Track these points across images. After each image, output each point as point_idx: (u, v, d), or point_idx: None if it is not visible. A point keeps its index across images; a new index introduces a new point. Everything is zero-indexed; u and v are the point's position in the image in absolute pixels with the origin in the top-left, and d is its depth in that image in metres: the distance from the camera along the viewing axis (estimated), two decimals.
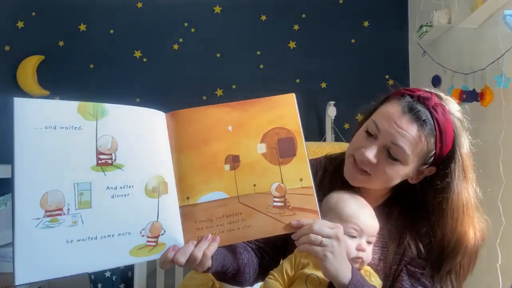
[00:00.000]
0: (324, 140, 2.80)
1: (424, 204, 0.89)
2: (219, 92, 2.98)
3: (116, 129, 0.72)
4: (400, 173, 0.85)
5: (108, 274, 2.32)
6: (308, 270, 0.83)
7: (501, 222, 1.74)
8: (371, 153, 0.84)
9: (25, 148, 0.66)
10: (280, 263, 0.90)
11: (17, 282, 0.62)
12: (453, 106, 0.87)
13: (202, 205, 0.75)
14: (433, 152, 0.84)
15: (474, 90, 1.95)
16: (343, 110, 2.71)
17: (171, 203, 0.74)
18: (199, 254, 0.72)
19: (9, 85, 2.85)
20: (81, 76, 2.93)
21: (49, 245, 0.65)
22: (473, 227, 0.86)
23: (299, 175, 0.78)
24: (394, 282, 0.88)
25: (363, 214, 0.86)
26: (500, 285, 1.73)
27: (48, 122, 0.68)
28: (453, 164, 0.84)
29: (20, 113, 0.66)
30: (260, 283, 0.92)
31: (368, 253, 0.85)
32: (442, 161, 0.85)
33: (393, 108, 0.84)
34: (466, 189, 0.86)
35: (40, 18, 2.98)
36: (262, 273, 0.93)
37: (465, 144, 0.86)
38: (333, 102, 2.73)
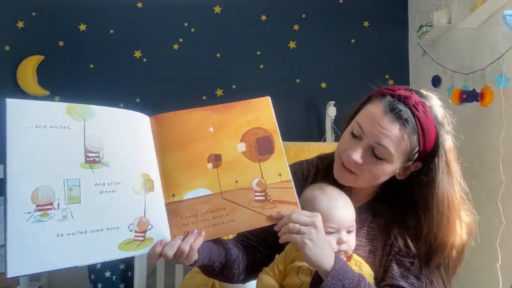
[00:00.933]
0: (324, 140, 2.80)
1: (411, 199, 0.91)
2: (219, 92, 2.98)
3: (103, 130, 0.76)
4: (386, 171, 0.88)
5: (108, 274, 2.32)
6: (299, 262, 0.87)
7: (501, 222, 1.74)
8: (357, 155, 0.87)
9: (16, 146, 0.69)
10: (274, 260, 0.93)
11: (9, 275, 0.64)
12: (434, 102, 0.89)
13: (187, 201, 0.79)
14: (417, 148, 0.86)
15: (474, 90, 1.95)
16: (343, 110, 2.71)
17: (157, 200, 0.77)
18: (186, 248, 0.74)
19: (9, 85, 2.86)
20: (81, 76, 2.93)
21: (40, 238, 0.67)
22: (459, 220, 0.89)
23: (277, 170, 0.84)
24: (385, 273, 0.90)
25: (335, 209, 0.87)
26: (500, 285, 1.73)
27: (38, 122, 0.71)
28: (436, 159, 0.87)
29: (12, 113, 0.70)
30: (255, 281, 0.94)
31: (350, 242, 0.88)
32: (426, 156, 0.87)
33: (375, 109, 0.87)
34: (451, 184, 0.88)
35: (40, 18, 2.98)
36: (255, 271, 0.95)
37: (447, 139, 0.88)
38: (333, 102, 2.73)
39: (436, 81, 2.27)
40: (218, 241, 0.87)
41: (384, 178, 0.90)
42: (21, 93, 2.82)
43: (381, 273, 0.91)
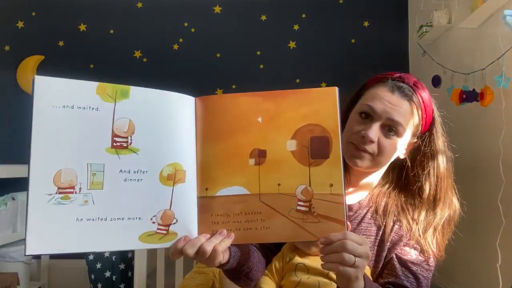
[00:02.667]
0: None
1: (408, 176, 0.96)
2: (219, 92, 2.98)
3: (135, 112, 0.72)
4: (398, 147, 0.92)
5: (108, 274, 2.32)
6: (296, 261, 0.87)
7: (501, 222, 1.74)
8: (372, 132, 0.88)
9: (42, 125, 0.67)
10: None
11: (27, 252, 0.65)
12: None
13: (220, 198, 0.72)
14: (421, 123, 0.94)
15: (474, 90, 1.95)
16: (343, 110, 2.71)
17: (188, 192, 0.73)
18: (208, 248, 0.69)
19: (9, 85, 2.85)
20: (81, 76, 2.91)
21: (60, 221, 0.66)
22: (451, 185, 0.96)
23: (329, 179, 0.72)
24: (384, 269, 0.92)
25: None
26: (500, 285, 1.73)
27: (66, 101, 0.69)
28: (434, 130, 0.95)
29: (39, 91, 0.67)
30: None
31: None
32: (426, 131, 0.95)
33: (381, 91, 0.92)
34: (444, 152, 0.96)
35: (40, 18, 2.98)
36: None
37: (437, 113, 0.97)
38: None
39: (436, 81, 2.27)
40: (245, 244, 0.84)
41: (394, 156, 0.94)
42: (21, 93, 2.82)
43: (379, 268, 0.92)
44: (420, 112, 0.92)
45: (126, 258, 2.38)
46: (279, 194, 0.72)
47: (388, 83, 0.93)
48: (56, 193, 0.67)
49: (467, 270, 1.97)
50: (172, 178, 0.72)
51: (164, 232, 0.71)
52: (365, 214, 0.96)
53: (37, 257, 2.73)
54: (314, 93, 0.74)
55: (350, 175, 0.97)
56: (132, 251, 2.34)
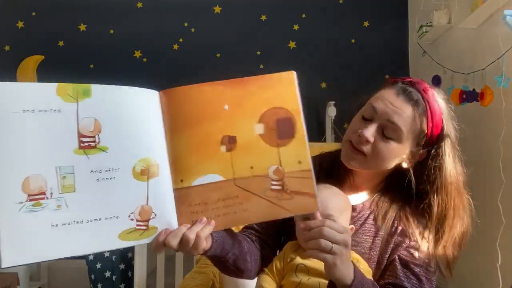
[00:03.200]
0: (324, 141, 2.81)
1: (417, 188, 0.93)
2: None
3: (100, 111, 0.70)
4: (395, 152, 0.89)
5: (108, 274, 2.32)
6: (297, 261, 0.87)
7: (501, 222, 1.74)
8: (368, 132, 0.87)
9: (3, 133, 0.64)
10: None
11: (3, 265, 0.62)
12: (439, 93, 0.93)
13: (196, 187, 0.73)
14: (425, 132, 0.89)
15: (474, 90, 1.95)
16: (343, 110, 2.71)
17: (163, 185, 0.72)
18: (192, 236, 0.70)
19: None
20: (81, 76, 2.93)
21: (34, 228, 0.64)
22: (464, 203, 0.92)
23: (297, 157, 0.75)
24: (386, 271, 0.91)
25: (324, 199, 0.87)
26: (500, 285, 1.73)
27: (26, 106, 0.66)
28: (443, 144, 0.89)
29: None
30: (254, 281, 0.94)
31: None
32: (433, 142, 0.90)
33: (387, 93, 0.90)
34: (456, 168, 0.91)
35: (40, 18, 2.98)
36: (265, 265, 0.94)
37: (451, 127, 0.92)
38: (333, 102, 2.73)
39: (436, 81, 2.27)
40: (231, 232, 0.85)
41: (392, 162, 0.91)
42: None
43: (381, 270, 0.91)
44: (425, 120, 0.87)
45: (126, 258, 2.38)
46: (253, 176, 0.74)
47: (396, 86, 0.91)
48: (26, 200, 0.64)
49: (467, 270, 1.97)
50: (146, 173, 0.71)
51: (144, 227, 0.70)
52: (368, 215, 0.96)
53: None
54: (275, 78, 0.77)
55: (354, 176, 0.97)
56: (132, 251, 2.34)
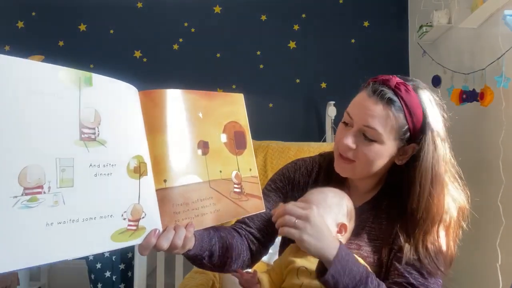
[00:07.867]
0: (324, 140, 2.80)
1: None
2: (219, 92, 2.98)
3: (99, 102, 0.65)
4: (379, 153, 0.89)
5: (108, 274, 2.32)
6: (297, 264, 0.88)
7: (501, 222, 1.74)
8: (348, 140, 0.90)
9: (6, 113, 0.55)
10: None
11: None
12: (419, 85, 0.92)
13: (179, 188, 0.74)
14: (406, 126, 0.88)
15: (474, 90, 1.95)
16: (343, 110, 2.70)
17: (150, 185, 0.70)
18: (179, 242, 0.71)
19: None
20: None
21: (28, 228, 0.55)
22: (444, 196, 0.88)
23: (248, 165, 0.86)
24: (388, 273, 0.90)
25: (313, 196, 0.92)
26: (500, 285, 1.73)
27: (31, 86, 0.58)
28: (423, 136, 0.89)
29: None
30: None
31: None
32: (420, 135, 0.89)
33: (360, 96, 0.92)
34: (437, 160, 0.89)
35: (40, 18, 2.98)
36: (252, 260, 0.97)
37: (434, 117, 0.89)
38: (333, 102, 2.73)
39: (436, 81, 2.27)
40: (210, 229, 0.86)
41: (380, 163, 0.91)
42: None
43: (383, 272, 0.91)
44: (402, 115, 0.87)
45: (126, 258, 2.38)
46: (221, 179, 0.81)
47: (368, 88, 0.91)
48: (22, 194, 0.55)
49: (467, 270, 1.97)
50: (138, 170, 0.68)
51: (134, 228, 0.67)
52: (369, 217, 0.96)
53: None
54: (230, 96, 0.87)
55: (354, 179, 0.98)
56: (132, 251, 2.34)
